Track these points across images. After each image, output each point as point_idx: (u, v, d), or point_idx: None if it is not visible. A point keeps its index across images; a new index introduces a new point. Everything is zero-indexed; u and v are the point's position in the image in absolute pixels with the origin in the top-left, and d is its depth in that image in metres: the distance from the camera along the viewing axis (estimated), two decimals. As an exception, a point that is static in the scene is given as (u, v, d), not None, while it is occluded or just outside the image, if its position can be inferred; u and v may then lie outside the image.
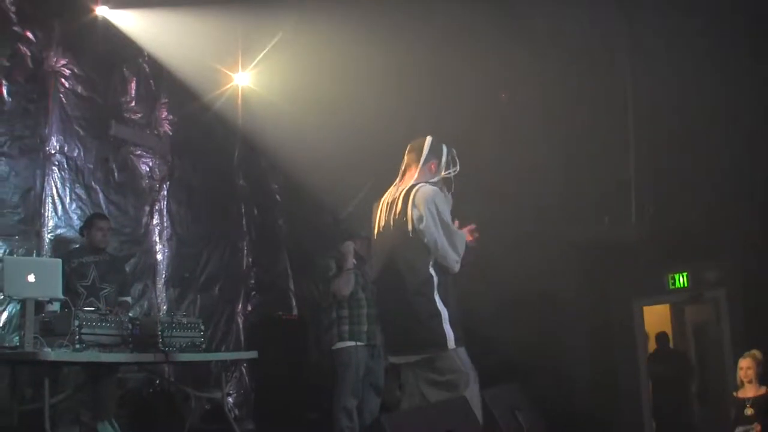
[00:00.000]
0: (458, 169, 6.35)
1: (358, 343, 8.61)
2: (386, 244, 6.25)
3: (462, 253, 6.08)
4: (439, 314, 5.94)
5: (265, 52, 12.19)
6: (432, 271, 6.01)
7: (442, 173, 6.32)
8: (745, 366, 8.82)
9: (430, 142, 6.35)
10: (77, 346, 7.10)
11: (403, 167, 6.42)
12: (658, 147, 11.16)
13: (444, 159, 6.32)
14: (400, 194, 6.21)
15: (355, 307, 8.73)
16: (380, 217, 6.37)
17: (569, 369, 11.66)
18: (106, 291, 8.95)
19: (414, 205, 6.04)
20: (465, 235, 6.17)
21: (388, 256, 6.22)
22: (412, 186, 6.17)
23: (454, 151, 6.40)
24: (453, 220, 6.18)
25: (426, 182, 6.19)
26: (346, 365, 8.57)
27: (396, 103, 11.53)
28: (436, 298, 5.97)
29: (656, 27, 11.08)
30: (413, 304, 5.99)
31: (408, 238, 6.05)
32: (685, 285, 11.42)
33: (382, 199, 6.42)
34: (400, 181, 6.37)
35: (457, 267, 6.07)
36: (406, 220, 6.05)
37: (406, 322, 6.03)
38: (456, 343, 5.94)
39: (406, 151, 6.42)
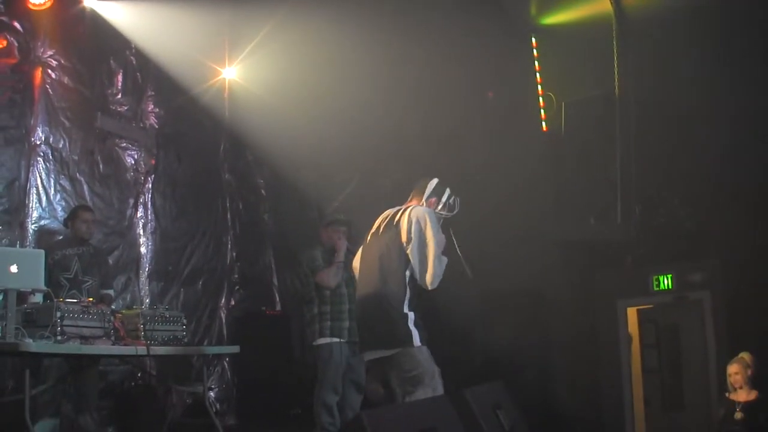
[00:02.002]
0: (452, 215, 6.96)
1: (340, 340, 8.59)
2: (374, 251, 6.77)
3: (441, 274, 6.55)
4: (405, 317, 6.46)
5: (252, 46, 12.17)
6: (407, 285, 6.53)
7: (438, 209, 6.89)
8: (734, 372, 8.94)
9: (435, 183, 7.01)
10: (59, 337, 7.08)
11: (409, 200, 7.00)
12: (644, 147, 11.14)
13: (444, 199, 6.94)
14: (402, 211, 6.78)
15: (337, 302, 8.70)
16: (378, 225, 6.90)
17: (553, 368, 11.67)
18: (88, 283, 8.95)
19: (408, 220, 6.58)
20: (446, 260, 6.63)
21: (373, 261, 6.73)
22: (412, 207, 6.77)
23: (458, 199, 6.96)
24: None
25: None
26: (327, 361, 8.54)
27: (384, 99, 11.52)
28: (405, 307, 6.48)
29: (645, 28, 11.08)
30: (385, 308, 6.50)
31: (394, 248, 6.58)
32: (670, 287, 11.40)
33: (385, 212, 6.97)
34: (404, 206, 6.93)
35: (435, 284, 6.54)
36: (398, 231, 6.58)
37: (377, 322, 6.57)
38: (420, 341, 6.43)
39: (412, 190, 7.03)
